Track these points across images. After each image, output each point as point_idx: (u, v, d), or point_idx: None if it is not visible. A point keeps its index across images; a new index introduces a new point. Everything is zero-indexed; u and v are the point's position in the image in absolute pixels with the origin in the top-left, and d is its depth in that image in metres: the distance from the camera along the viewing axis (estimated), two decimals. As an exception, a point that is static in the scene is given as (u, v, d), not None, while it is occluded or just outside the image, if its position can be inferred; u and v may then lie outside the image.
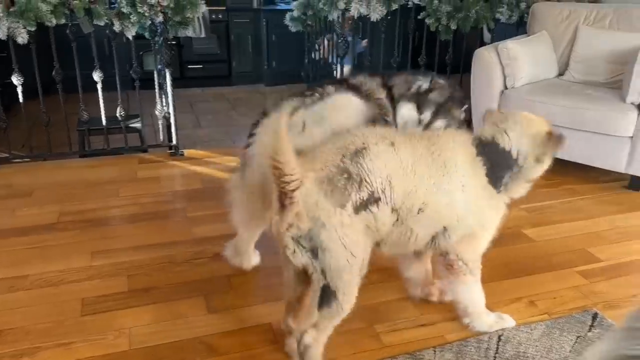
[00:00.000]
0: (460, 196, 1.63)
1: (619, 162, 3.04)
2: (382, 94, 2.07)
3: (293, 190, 1.43)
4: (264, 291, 2.11)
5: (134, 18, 3.08)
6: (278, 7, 6.53)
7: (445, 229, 1.66)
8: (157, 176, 3.18)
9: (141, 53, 5.71)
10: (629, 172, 3.06)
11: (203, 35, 5.82)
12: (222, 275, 2.19)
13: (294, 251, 1.51)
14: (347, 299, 1.58)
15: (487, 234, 1.77)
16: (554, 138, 1.69)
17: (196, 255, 2.34)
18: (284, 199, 1.45)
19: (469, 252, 1.77)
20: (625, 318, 0.79)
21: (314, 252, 1.49)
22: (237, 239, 2.20)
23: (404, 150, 1.58)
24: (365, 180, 1.51)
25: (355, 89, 2.02)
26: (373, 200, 1.53)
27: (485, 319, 1.91)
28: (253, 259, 2.26)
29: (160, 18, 3.16)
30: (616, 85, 3.26)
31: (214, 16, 6.04)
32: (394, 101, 2.17)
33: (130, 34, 3.14)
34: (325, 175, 1.49)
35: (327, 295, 1.56)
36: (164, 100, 3.60)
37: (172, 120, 3.47)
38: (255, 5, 6.51)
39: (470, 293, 1.87)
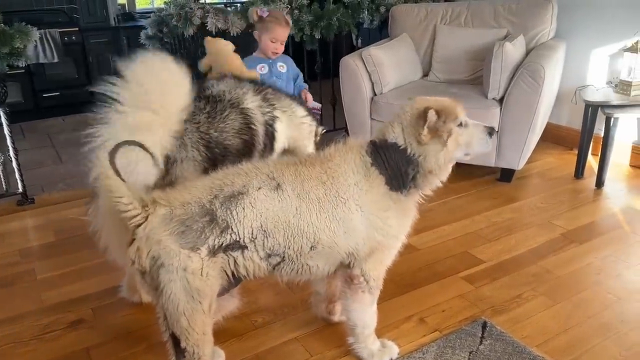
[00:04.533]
0: (359, 219, 1.53)
1: (488, 156, 3.10)
2: (253, 102, 1.96)
3: (136, 226, 1.36)
4: (130, 360, 1.84)
5: (-54, 54, 2.64)
6: (139, 24, 6.09)
7: (349, 253, 1.57)
8: None
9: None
10: (499, 165, 3.14)
11: (56, 59, 5.35)
12: (79, 349, 1.88)
13: (143, 285, 1.47)
14: (195, 345, 1.44)
15: (397, 243, 1.65)
16: (424, 113, 1.50)
17: (47, 327, 2.00)
18: (130, 233, 1.38)
19: (375, 268, 1.64)
20: None
21: (157, 292, 1.39)
22: (127, 275, 2.06)
23: (290, 192, 1.47)
24: (232, 229, 1.41)
25: (214, 100, 1.89)
26: (238, 247, 1.43)
27: (370, 345, 1.78)
28: None
29: (-19, 51, 2.73)
30: (478, 82, 3.33)
31: (66, 38, 5.49)
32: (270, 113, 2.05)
33: (-53, 71, 2.69)
34: (179, 215, 1.37)
35: (176, 344, 1.44)
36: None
37: (14, 165, 3.03)
38: (113, 23, 6.04)
39: (363, 314, 1.73)
